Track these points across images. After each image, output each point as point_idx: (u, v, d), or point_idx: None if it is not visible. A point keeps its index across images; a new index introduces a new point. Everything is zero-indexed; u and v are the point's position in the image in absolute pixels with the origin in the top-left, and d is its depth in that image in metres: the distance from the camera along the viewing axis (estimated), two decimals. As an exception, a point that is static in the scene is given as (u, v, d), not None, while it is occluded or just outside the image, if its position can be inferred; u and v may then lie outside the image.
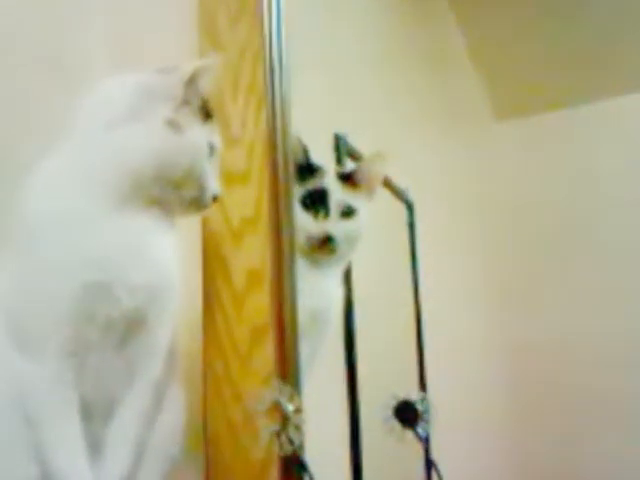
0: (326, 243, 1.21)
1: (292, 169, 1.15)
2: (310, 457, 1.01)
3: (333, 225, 1.22)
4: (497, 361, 2.63)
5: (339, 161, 1.59)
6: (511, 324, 2.69)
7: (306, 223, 1.20)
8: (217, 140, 0.97)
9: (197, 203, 0.94)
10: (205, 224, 1.13)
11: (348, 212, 1.24)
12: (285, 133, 1.11)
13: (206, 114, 0.94)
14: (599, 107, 2.78)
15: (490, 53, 2.74)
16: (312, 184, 1.22)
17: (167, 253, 0.91)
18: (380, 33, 2.03)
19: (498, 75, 2.82)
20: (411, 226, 1.97)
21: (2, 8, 1.02)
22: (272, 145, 1.10)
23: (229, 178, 1.11)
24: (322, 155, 1.42)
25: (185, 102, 0.91)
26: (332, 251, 1.22)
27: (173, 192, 0.90)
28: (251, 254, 1.10)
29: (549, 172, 2.84)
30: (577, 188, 2.80)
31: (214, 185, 0.95)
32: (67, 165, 0.88)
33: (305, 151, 1.24)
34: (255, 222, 1.11)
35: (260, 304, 1.08)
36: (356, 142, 1.63)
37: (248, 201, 1.11)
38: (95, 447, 0.85)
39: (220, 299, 1.11)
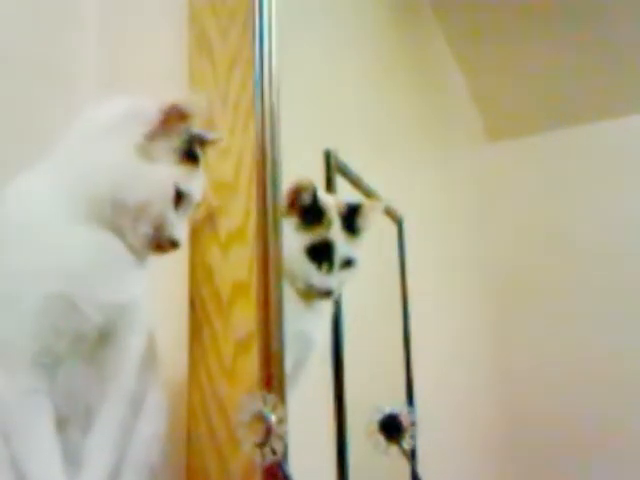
0: (326, 296, 1.23)
1: (296, 201, 1.15)
2: (297, 470, 1.00)
3: (335, 279, 1.23)
4: (487, 377, 2.62)
5: (329, 177, 1.59)
6: (502, 340, 2.68)
7: (309, 272, 1.21)
8: (194, 189, 0.93)
9: (152, 243, 0.90)
10: (192, 235, 1.13)
11: (348, 262, 1.25)
12: (274, 144, 1.12)
13: (187, 156, 0.91)
14: (594, 128, 2.79)
15: (482, 73, 2.75)
16: (319, 234, 1.22)
17: (135, 267, 0.89)
18: (373, 51, 2.03)
19: (491, 96, 2.83)
20: (400, 243, 1.97)
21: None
22: (261, 156, 1.11)
23: (217, 188, 1.11)
24: (312, 171, 1.42)
25: (164, 134, 0.89)
26: (329, 300, 1.26)
27: (128, 224, 0.88)
28: (238, 265, 1.10)
29: (542, 193, 2.85)
30: (570, 209, 2.80)
31: (175, 233, 0.90)
32: (44, 177, 0.88)
33: (314, 192, 1.23)
34: (242, 233, 1.10)
35: (246, 315, 1.08)
36: (347, 159, 1.63)
37: (236, 212, 1.11)
38: (73, 458, 0.85)
39: (206, 310, 1.11)
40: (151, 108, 0.89)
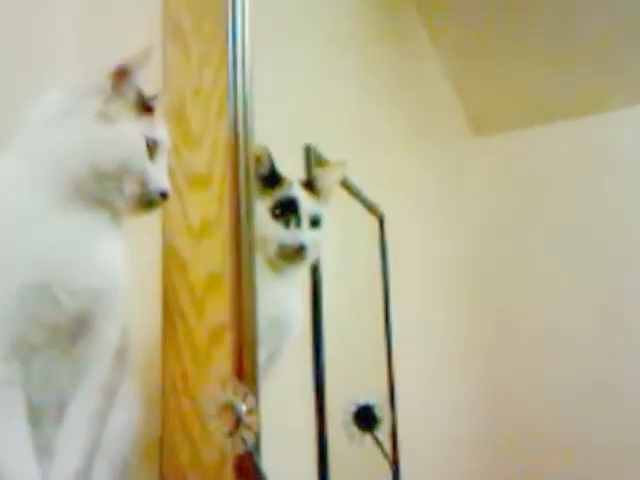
0: (299, 252, 1.23)
1: (254, 172, 1.15)
2: (276, 461, 1.01)
3: (305, 234, 1.23)
4: (470, 369, 2.63)
5: (309, 172, 1.59)
6: (485, 340, 2.69)
7: (277, 232, 1.22)
8: (161, 135, 0.94)
9: (142, 201, 0.91)
10: (165, 226, 1.13)
11: (315, 221, 1.26)
12: (247, 135, 1.12)
13: (143, 108, 0.92)
14: (578, 123, 2.80)
15: (466, 68, 2.76)
16: (280, 193, 1.23)
17: (110, 254, 0.89)
18: (355, 46, 2.03)
19: (475, 91, 2.84)
20: (382, 240, 1.97)
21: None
22: (234, 148, 1.11)
23: (190, 180, 1.11)
24: (292, 166, 1.42)
25: (117, 95, 0.90)
26: (302, 259, 1.25)
27: (113, 189, 0.88)
28: (211, 256, 1.10)
29: (526, 188, 2.86)
30: (555, 204, 2.81)
31: (159, 182, 0.91)
32: (10, 166, 0.88)
33: (271, 160, 1.24)
34: (215, 224, 1.11)
35: (219, 306, 1.08)
36: (328, 155, 1.63)
37: (209, 203, 1.11)
38: (46, 449, 0.84)
39: (179, 301, 1.11)
40: (95, 78, 0.91)
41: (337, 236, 1.44)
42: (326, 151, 1.61)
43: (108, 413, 0.90)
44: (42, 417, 0.85)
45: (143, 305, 1.11)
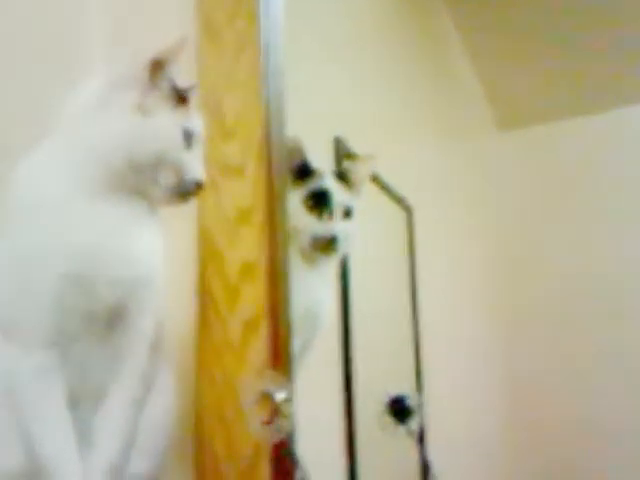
0: (332, 243, 1.23)
1: (287, 163, 1.16)
2: (306, 450, 1.01)
3: (338, 225, 1.24)
4: (497, 359, 2.63)
5: (339, 164, 1.60)
6: (511, 329, 2.69)
7: (310, 223, 1.23)
8: (196, 126, 0.95)
9: (179, 191, 0.92)
10: (200, 216, 1.14)
11: (347, 212, 1.27)
12: (281, 126, 1.12)
13: (179, 99, 0.93)
14: (603, 117, 2.78)
15: (492, 63, 2.75)
16: (313, 185, 1.24)
17: (147, 244, 0.90)
18: (384, 39, 2.04)
19: (500, 85, 2.83)
20: (410, 232, 1.98)
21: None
22: (268, 138, 1.11)
23: (224, 171, 1.12)
24: (322, 159, 1.43)
25: (153, 87, 0.91)
26: (335, 250, 1.26)
27: (150, 180, 0.90)
28: (245, 246, 1.11)
29: (551, 182, 2.85)
30: (580, 196, 2.80)
31: (195, 172, 0.92)
32: (50, 156, 0.90)
33: (303, 152, 1.25)
34: (250, 214, 1.11)
35: (254, 296, 1.09)
36: (356, 148, 1.64)
37: (243, 194, 1.12)
38: (84, 436, 0.86)
39: (214, 291, 1.11)
40: (131, 69, 0.91)
41: (365, 228, 1.44)
42: (354, 144, 1.62)
43: (144, 402, 0.91)
44: (79, 404, 0.87)
45: (178, 294, 1.12)
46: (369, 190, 1.51)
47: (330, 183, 1.26)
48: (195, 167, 0.92)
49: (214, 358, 1.09)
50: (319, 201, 1.23)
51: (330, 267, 1.31)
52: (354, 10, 1.86)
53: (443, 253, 2.24)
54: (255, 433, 0.96)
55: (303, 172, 1.25)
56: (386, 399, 1.42)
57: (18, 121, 1.03)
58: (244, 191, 1.12)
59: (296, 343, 1.12)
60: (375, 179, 1.69)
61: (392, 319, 1.82)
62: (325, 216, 1.23)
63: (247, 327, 1.08)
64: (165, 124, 0.90)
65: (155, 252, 0.92)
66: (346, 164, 1.43)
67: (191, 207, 1.02)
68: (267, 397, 0.95)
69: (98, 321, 0.86)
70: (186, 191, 0.92)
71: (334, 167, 1.56)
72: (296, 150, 1.23)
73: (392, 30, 2.14)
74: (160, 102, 0.91)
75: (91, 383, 0.87)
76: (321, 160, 1.34)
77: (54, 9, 1.13)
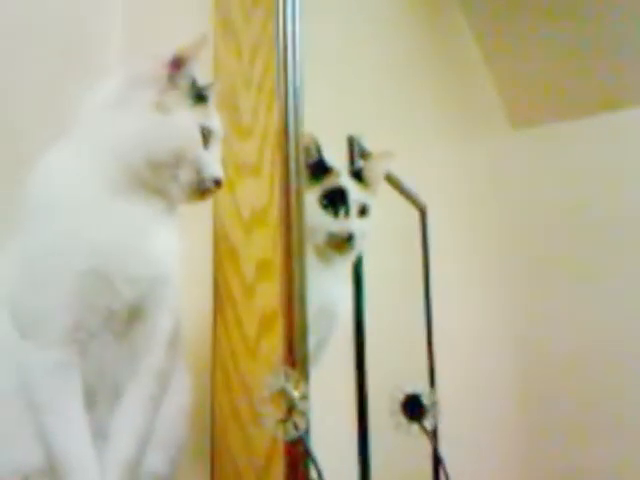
0: (348, 241, 1.23)
1: (303, 161, 1.16)
2: (319, 447, 1.01)
3: (354, 224, 1.24)
4: (509, 357, 2.62)
5: (352, 163, 1.60)
6: (525, 324, 2.68)
7: (326, 221, 1.23)
8: (215, 124, 0.95)
9: (197, 188, 0.92)
10: (216, 215, 1.14)
11: (363, 210, 1.27)
12: (297, 125, 1.13)
13: (198, 97, 0.93)
14: (618, 116, 2.77)
15: (506, 61, 2.74)
16: (329, 183, 1.24)
17: (166, 242, 0.91)
18: (396, 37, 2.03)
19: (514, 83, 2.81)
20: (424, 231, 1.97)
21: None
22: (284, 137, 1.11)
23: (240, 169, 1.13)
24: (335, 157, 1.43)
25: (172, 85, 0.91)
26: (351, 249, 1.26)
27: (169, 178, 0.90)
28: (261, 244, 1.11)
29: (566, 181, 2.83)
30: (595, 197, 2.78)
31: (214, 169, 0.93)
32: (69, 154, 0.90)
33: (319, 149, 1.25)
34: (266, 213, 1.12)
35: (269, 293, 1.09)
36: (370, 146, 1.64)
37: (259, 192, 1.12)
38: (101, 433, 0.86)
39: (230, 288, 1.12)
40: (150, 67, 0.92)
41: (379, 226, 1.45)
42: (368, 143, 1.62)
43: (161, 399, 0.92)
44: (97, 401, 0.87)
45: (195, 292, 1.12)
46: (382, 188, 1.51)
47: (346, 181, 1.26)
48: (213, 165, 0.93)
49: (230, 356, 1.10)
50: (335, 199, 1.23)
51: (346, 265, 1.31)
52: (369, 10, 1.86)
53: (457, 251, 2.24)
54: (270, 430, 0.97)
55: (319, 170, 1.25)
56: (400, 397, 1.42)
57: (37, 121, 1.04)
58: (260, 190, 1.12)
59: (312, 341, 1.12)
60: (388, 177, 1.68)
61: (405, 317, 1.82)
62: (341, 214, 1.23)
63: (263, 325, 1.09)
64: (184, 122, 0.91)
65: (173, 251, 0.92)
66: (362, 161, 1.43)
67: (207, 206, 1.03)
68: (283, 394, 0.96)
69: (116, 319, 0.87)
70: (205, 188, 0.93)
71: (347, 165, 1.57)
72: (312, 148, 1.23)
73: (406, 29, 2.13)
74: (179, 100, 0.91)
75: (108, 380, 0.88)
76: (334, 159, 1.34)
77: (73, 9, 1.13)
